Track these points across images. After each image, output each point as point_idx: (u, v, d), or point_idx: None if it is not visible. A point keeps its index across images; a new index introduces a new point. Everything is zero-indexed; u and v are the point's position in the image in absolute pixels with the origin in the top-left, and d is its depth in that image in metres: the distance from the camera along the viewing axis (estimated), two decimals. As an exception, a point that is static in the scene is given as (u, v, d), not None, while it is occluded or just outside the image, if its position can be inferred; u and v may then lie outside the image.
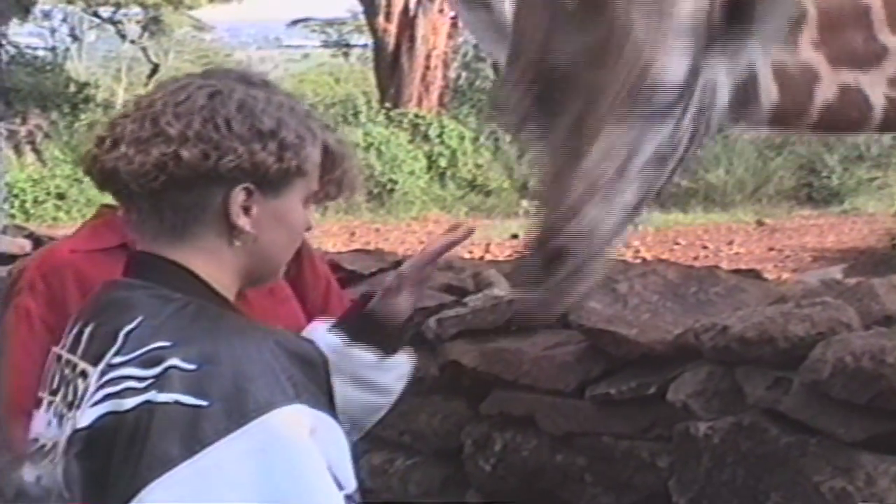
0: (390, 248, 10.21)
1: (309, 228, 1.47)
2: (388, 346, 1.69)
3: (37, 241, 4.34)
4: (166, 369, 1.22)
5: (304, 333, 1.63)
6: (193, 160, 1.30)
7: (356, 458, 1.38)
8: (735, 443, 2.62)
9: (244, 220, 1.34)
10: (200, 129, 1.31)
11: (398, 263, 2.63)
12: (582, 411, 2.97)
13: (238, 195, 1.33)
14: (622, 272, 3.13)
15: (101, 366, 1.27)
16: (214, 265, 1.35)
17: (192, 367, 1.22)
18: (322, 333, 1.65)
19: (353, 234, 12.38)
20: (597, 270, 1.54)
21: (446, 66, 17.93)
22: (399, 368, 1.71)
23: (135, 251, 1.41)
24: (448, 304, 3.33)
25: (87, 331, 1.33)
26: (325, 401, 1.33)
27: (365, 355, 1.66)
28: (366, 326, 1.68)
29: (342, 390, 1.53)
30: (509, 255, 9.69)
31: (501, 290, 3.46)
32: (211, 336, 1.27)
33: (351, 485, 1.32)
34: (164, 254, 1.35)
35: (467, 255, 6.65)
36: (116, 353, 1.26)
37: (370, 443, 3.48)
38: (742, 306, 2.87)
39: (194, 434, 1.20)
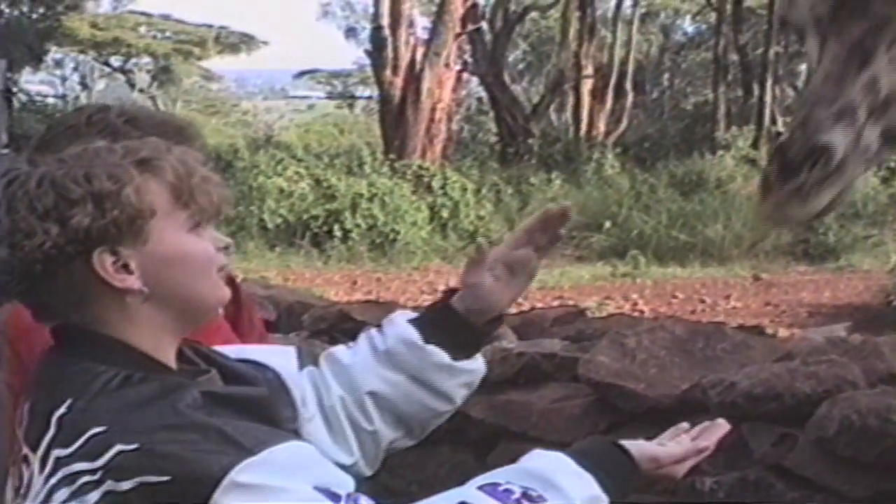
0: (392, 298, 10.20)
1: (227, 247, 1.39)
2: (466, 346, 1.52)
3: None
4: (114, 457, 1.18)
5: (384, 322, 1.55)
6: (9, 257, 1.25)
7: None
8: (741, 498, 2.65)
9: (129, 280, 1.28)
10: (7, 223, 1.26)
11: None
12: (589, 464, 2.99)
13: (102, 261, 1.27)
14: (630, 327, 3.17)
15: (40, 453, 1.23)
16: (133, 329, 1.30)
17: (134, 446, 1.18)
18: (399, 323, 1.53)
19: (354, 282, 12.38)
20: (847, 183, 1.46)
21: (450, 118, 18.09)
22: (467, 375, 1.53)
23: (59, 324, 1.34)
24: (457, 355, 3.36)
25: (27, 408, 1.29)
26: (281, 428, 1.29)
27: (437, 355, 1.50)
28: (447, 321, 1.52)
29: (403, 388, 1.51)
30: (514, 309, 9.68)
31: (509, 342, 3.50)
32: (140, 411, 1.22)
33: (344, 486, 1.25)
34: (85, 325, 1.30)
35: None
36: (53, 442, 1.22)
37: (377, 493, 3.49)
38: (749, 362, 2.91)
39: None
